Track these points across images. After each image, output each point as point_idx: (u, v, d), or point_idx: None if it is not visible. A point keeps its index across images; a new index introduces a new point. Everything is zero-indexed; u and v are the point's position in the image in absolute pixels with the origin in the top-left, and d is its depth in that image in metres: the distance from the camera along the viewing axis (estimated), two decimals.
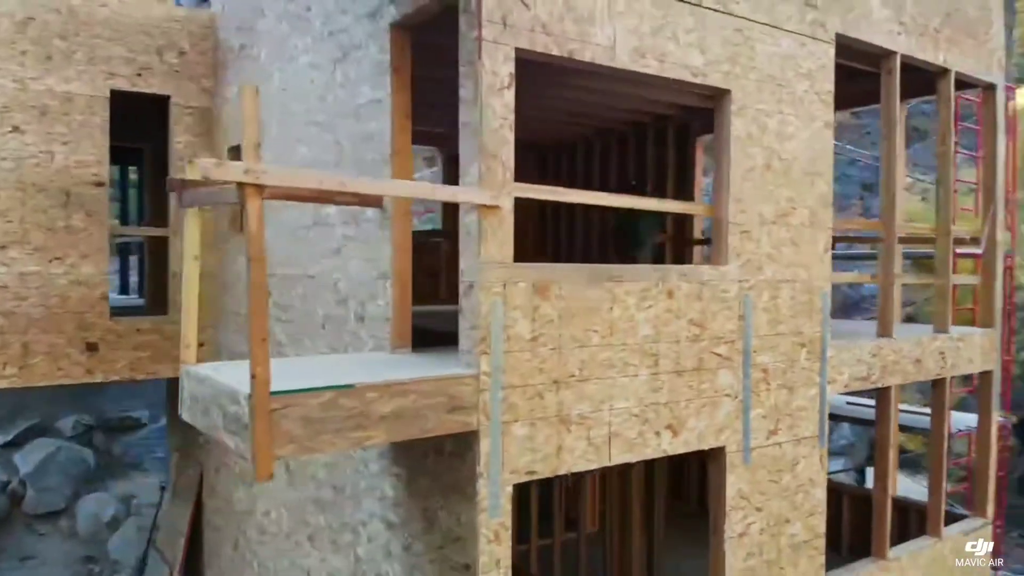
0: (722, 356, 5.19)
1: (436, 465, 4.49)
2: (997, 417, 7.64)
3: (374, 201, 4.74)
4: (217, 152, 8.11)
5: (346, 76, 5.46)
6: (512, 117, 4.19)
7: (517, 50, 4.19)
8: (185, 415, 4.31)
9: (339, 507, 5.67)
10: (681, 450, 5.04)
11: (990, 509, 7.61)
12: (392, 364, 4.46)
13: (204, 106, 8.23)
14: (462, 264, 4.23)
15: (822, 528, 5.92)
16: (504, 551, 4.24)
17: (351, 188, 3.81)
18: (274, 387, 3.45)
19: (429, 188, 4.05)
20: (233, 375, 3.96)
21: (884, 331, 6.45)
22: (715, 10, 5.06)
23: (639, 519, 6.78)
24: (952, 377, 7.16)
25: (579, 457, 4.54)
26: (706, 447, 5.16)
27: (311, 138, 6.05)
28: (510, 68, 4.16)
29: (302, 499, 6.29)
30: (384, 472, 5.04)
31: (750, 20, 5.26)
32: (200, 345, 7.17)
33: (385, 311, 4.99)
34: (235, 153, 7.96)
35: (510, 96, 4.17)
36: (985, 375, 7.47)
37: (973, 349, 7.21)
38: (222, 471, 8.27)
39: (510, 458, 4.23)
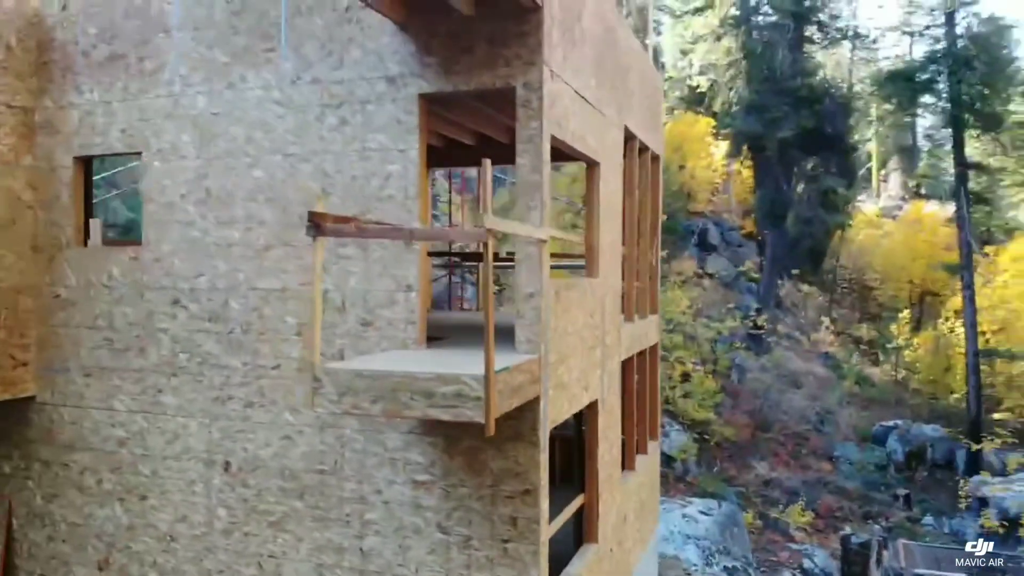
0: (597, 338, 7.78)
1: None
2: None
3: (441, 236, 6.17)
4: (49, 156, 7.58)
5: (343, 121, 6.50)
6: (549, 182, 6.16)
7: (552, 137, 6.17)
8: (333, 407, 5.19)
9: (330, 487, 6.62)
10: (587, 401, 7.48)
11: (659, 434, 11.71)
12: (456, 356, 5.97)
13: (26, 105, 7.52)
14: (522, 279, 6.02)
15: (620, 447, 8.93)
16: (547, 477, 6.18)
17: (515, 231, 5.33)
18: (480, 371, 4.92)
19: (532, 228, 5.73)
20: (404, 365, 5.16)
21: (628, 318, 9.76)
22: (599, 112, 7.62)
23: None
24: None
25: (563, 411, 6.67)
26: (594, 399, 7.70)
27: (273, 164, 6.75)
28: (549, 148, 6.12)
29: (256, 493, 6.88)
30: (411, 444, 6.36)
31: (607, 119, 7.94)
32: (23, 364, 7.22)
33: (408, 316, 6.34)
34: (81, 163, 7.62)
35: (549, 167, 6.13)
36: (655, 345, 11.45)
37: (651, 328, 11.08)
38: (62, 496, 7.68)
39: (550, 412, 6.19)
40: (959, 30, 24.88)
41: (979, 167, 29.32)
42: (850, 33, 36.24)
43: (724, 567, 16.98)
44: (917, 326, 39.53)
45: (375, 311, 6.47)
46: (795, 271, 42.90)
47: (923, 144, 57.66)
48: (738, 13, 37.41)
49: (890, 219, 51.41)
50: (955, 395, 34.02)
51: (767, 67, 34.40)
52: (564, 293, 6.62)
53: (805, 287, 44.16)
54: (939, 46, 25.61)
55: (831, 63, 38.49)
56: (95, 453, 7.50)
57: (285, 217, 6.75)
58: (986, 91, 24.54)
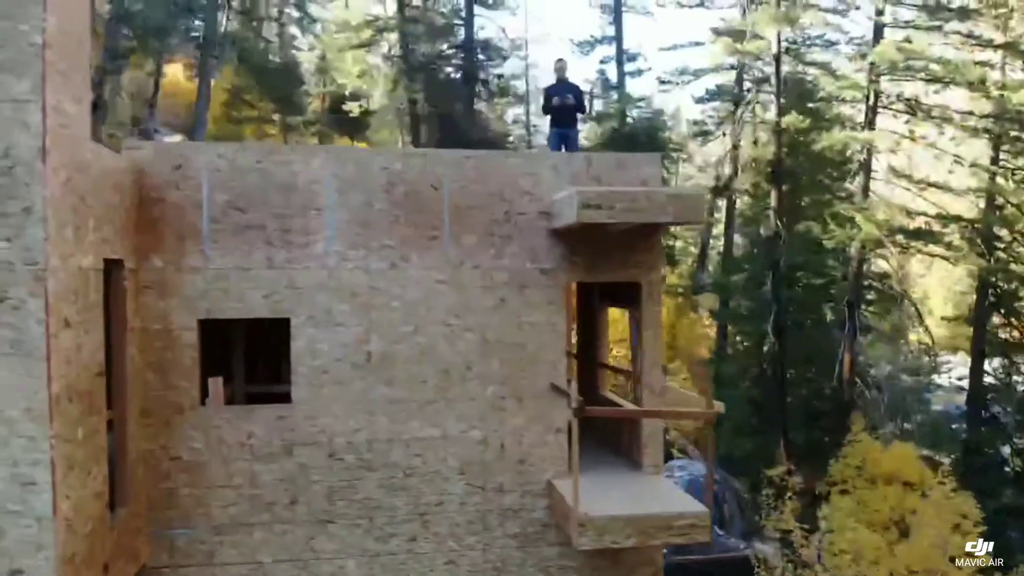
0: None
1: None
2: None
3: None
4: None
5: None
6: None
7: None
8: (595, 544, 6.84)
9: None
10: None
11: None
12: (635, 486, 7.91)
13: None
14: None
15: None
16: None
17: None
18: None
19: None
20: (636, 507, 7.06)
21: None
22: None
23: None
24: None
25: None
26: None
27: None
28: None
29: None
30: None
31: None
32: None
33: None
34: None
35: None
36: None
37: None
38: None
39: None
40: None
41: None
42: (509, 92, 41.63)
43: None
44: None
45: None
46: None
47: None
48: (400, 54, 38.98)
49: None
50: None
51: (447, 117, 38.26)
52: None
53: None
54: None
55: (495, 117, 43.27)
56: None
57: None
58: None
